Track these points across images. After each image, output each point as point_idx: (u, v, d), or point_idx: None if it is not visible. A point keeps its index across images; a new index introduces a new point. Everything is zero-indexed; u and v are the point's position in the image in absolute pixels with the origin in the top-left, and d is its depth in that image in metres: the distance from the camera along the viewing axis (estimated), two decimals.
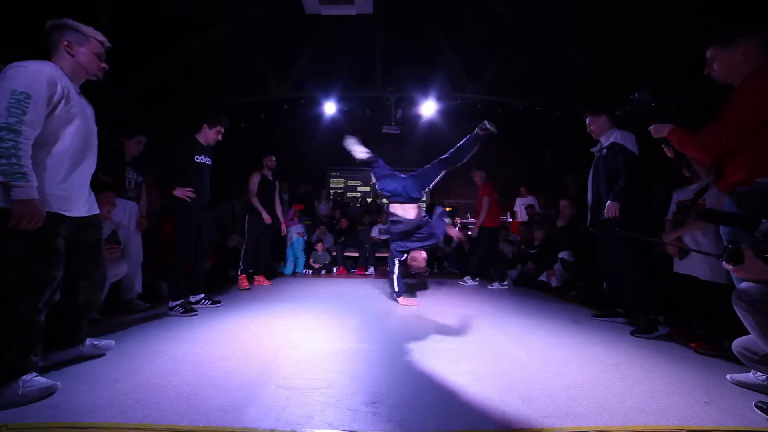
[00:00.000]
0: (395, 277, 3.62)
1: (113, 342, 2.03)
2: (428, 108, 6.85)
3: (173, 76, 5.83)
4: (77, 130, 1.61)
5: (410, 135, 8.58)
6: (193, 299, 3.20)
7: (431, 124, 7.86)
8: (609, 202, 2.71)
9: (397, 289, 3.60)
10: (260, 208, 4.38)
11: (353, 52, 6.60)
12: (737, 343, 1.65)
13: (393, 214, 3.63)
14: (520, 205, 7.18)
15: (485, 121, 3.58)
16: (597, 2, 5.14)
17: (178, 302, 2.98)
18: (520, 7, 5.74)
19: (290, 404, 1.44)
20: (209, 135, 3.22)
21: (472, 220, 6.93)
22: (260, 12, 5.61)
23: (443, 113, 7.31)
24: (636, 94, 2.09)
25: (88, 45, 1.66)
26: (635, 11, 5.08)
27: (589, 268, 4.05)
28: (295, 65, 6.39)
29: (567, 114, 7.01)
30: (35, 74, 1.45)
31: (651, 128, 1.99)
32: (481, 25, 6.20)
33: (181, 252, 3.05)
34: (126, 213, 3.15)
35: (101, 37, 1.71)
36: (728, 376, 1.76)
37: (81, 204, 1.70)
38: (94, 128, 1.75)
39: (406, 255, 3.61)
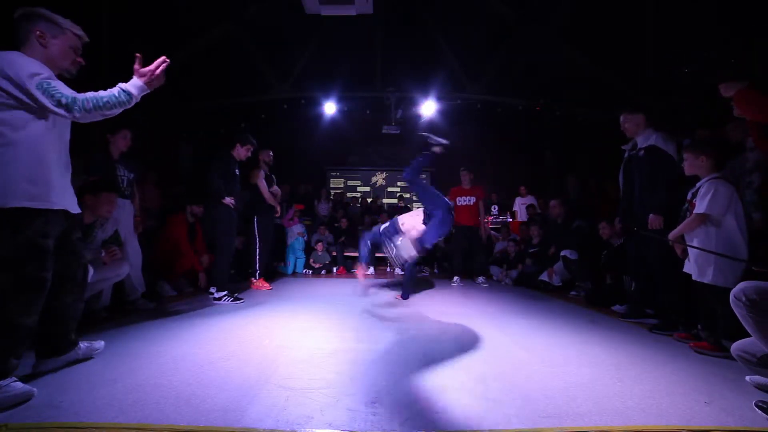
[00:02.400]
0: (364, 244, 3.61)
1: (103, 342, 2.02)
2: (428, 108, 6.85)
3: (173, 75, 5.83)
4: (50, 123, 1.55)
5: (410, 135, 8.58)
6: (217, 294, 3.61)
7: (431, 124, 7.86)
8: (652, 215, 2.65)
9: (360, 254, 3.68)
10: (268, 196, 4.35)
11: (353, 52, 6.60)
12: (736, 346, 1.65)
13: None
14: (520, 205, 7.17)
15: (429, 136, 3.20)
16: (597, 2, 5.14)
17: (224, 293, 3.51)
18: (520, 7, 5.74)
19: (290, 404, 1.44)
20: (241, 152, 3.79)
21: None
22: (260, 12, 5.61)
23: (443, 113, 7.31)
24: (704, 52, 2.06)
25: (63, 37, 1.58)
26: (635, 11, 5.08)
27: (591, 267, 4.05)
28: (295, 65, 6.39)
29: (567, 114, 7.02)
30: (32, 61, 1.45)
31: (721, 86, 1.96)
32: (481, 25, 6.21)
33: (226, 251, 3.60)
34: (124, 212, 3.14)
35: (79, 31, 1.63)
36: (747, 378, 1.71)
37: (68, 198, 1.65)
38: (68, 123, 1.65)
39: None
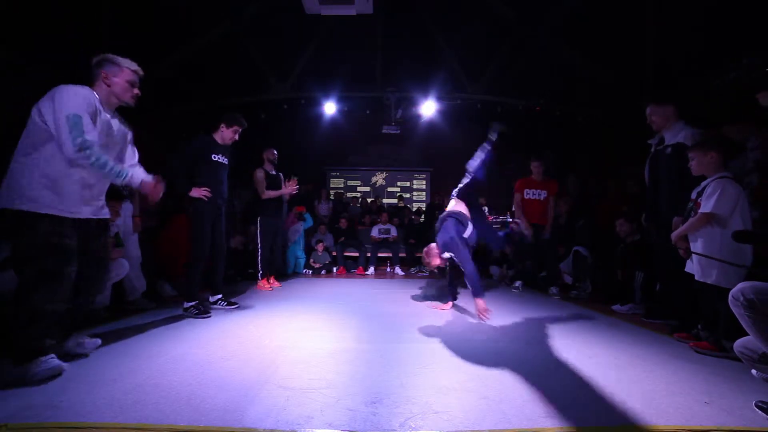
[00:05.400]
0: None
1: (99, 340, 2.04)
2: (428, 108, 6.85)
3: (173, 76, 5.83)
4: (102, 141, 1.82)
5: (410, 135, 8.58)
6: (211, 299, 3.21)
7: (431, 124, 7.86)
8: (676, 218, 2.53)
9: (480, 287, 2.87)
10: (275, 193, 4.34)
11: (353, 52, 6.59)
12: (738, 343, 1.65)
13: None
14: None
15: (493, 128, 3.41)
16: (597, 2, 5.14)
17: (193, 303, 2.95)
18: (520, 7, 5.74)
19: (290, 404, 1.44)
20: (226, 134, 3.26)
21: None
22: (260, 12, 5.61)
23: (443, 113, 7.31)
24: (745, 60, 2.02)
25: (121, 75, 1.87)
26: (635, 11, 5.08)
27: (602, 264, 4.04)
28: (295, 65, 6.39)
29: (567, 114, 7.01)
30: (80, 97, 1.69)
31: (759, 95, 1.91)
32: (481, 25, 6.20)
33: (196, 251, 3.04)
34: (123, 212, 3.15)
35: (135, 67, 1.92)
36: (753, 372, 1.68)
37: (89, 208, 1.84)
38: (123, 146, 2.00)
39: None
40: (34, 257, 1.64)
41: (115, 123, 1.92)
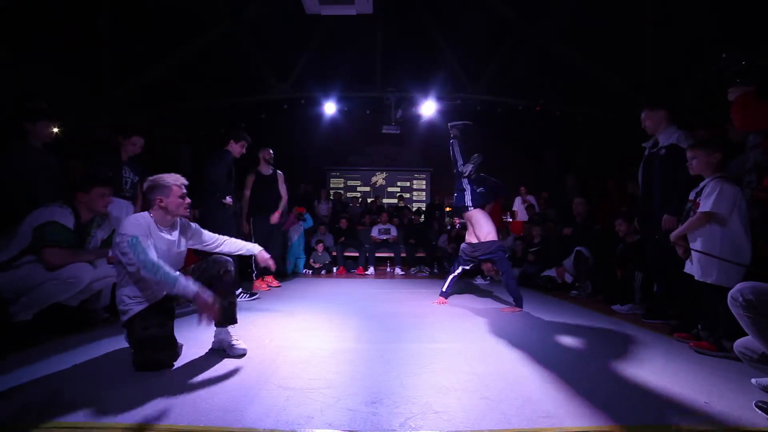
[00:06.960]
0: (452, 277, 3.60)
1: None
2: (428, 108, 6.85)
3: (173, 76, 5.83)
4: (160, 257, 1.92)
5: (410, 135, 8.59)
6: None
7: (431, 124, 7.87)
8: (666, 215, 2.56)
9: (445, 290, 3.61)
10: (245, 211, 4.32)
11: (353, 52, 6.61)
12: (738, 343, 1.65)
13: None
14: (519, 205, 7.18)
15: (450, 124, 3.65)
16: (597, 2, 5.14)
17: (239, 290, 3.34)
18: (520, 7, 5.75)
19: (290, 404, 1.43)
20: (235, 149, 3.76)
21: None
22: (260, 12, 5.62)
23: (443, 113, 7.32)
24: (724, 54, 2.06)
25: (172, 194, 1.97)
26: (635, 11, 5.08)
27: (603, 265, 4.03)
28: (295, 65, 6.39)
29: (567, 114, 7.02)
30: (136, 224, 1.85)
31: (729, 90, 1.94)
32: (481, 25, 6.21)
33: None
34: (123, 213, 3.14)
35: (180, 181, 2.02)
36: (753, 381, 1.68)
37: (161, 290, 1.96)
38: (180, 252, 2.11)
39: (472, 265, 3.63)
40: (140, 345, 1.84)
41: (175, 235, 2.05)
